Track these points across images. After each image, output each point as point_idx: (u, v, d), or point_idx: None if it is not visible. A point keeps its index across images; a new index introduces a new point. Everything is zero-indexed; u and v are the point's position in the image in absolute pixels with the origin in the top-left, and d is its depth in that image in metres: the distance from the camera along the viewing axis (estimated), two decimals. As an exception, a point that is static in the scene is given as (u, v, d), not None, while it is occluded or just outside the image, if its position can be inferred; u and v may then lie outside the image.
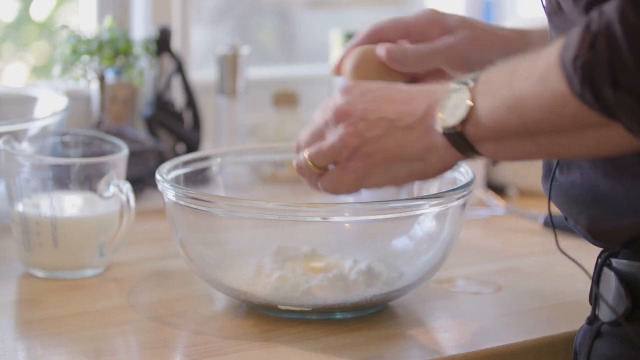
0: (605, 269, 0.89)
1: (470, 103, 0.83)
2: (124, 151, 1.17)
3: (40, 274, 1.16)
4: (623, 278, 0.87)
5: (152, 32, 1.63)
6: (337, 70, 1.03)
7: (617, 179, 0.86)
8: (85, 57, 1.48)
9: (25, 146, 1.20)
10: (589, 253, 0.94)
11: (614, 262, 0.88)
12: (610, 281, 0.88)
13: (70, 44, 1.47)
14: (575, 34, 0.75)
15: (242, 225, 1.08)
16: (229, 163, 1.24)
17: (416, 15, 1.03)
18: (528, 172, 1.56)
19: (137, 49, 1.52)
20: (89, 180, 1.15)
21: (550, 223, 0.97)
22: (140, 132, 1.59)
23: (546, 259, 1.28)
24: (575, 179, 0.90)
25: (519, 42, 1.02)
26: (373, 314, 1.06)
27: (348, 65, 1.01)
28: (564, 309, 1.10)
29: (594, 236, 0.89)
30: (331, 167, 0.92)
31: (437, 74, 1.02)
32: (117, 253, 1.18)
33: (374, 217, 1.02)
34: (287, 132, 1.69)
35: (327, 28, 1.84)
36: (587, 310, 0.93)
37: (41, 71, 1.87)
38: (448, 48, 1.01)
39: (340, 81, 1.13)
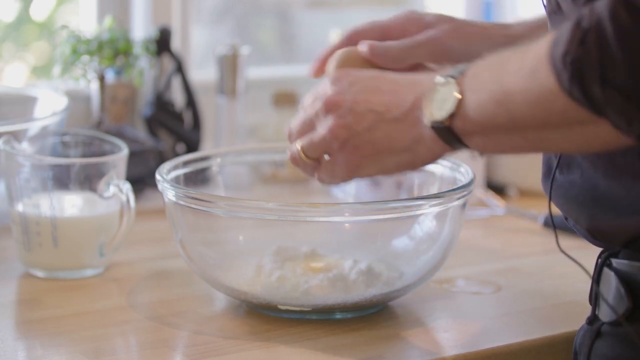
0: (606, 269, 0.89)
1: (458, 96, 0.83)
2: (124, 151, 1.17)
3: (40, 274, 1.16)
4: (623, 278, 0.87)
5: (152, 32, 1.63)
6: (318, 73, 1.03)
7: (617, 179, 0.86)
8: (85, 57, 1.48)
9: (25, 146, 1.20)
10: (589, 253, 0.94)
11: (614, 262, 0.88)
12: (610, 281, 0.88)
13: (70, 44, 1.47)
14: (565, 29, 0.75)
15: (242, 225, 1.08)
16: (229, 163, 1.24)
17: (394, 17, 1.04)
18: (528, 172, 1.56)
19: (137, 49, 1.52)
20: (89, 180, 1.15)
21: (551, 223, 0.97)
22: (140, 132, 1.59)
23: (546, 259, 1.28)
24: (575, 178, 0.90)
25: (499, 33, 1.02)
26: (373, 314, 1.06)
27: (331, 67, 1.01)
28: (564, 309, 1.10)
29: (594, 236, 0.89)
30: (326, 157, 0.93)
31: (420, 70, 1.02)
32: (117, 253, 1.18)
33: (374, 217, 1.02)
34: (287, 132, 1.68)
35: (327, 28, 1.84)
36: (587, 310, 0.93)
37: (41, 71, 1.87)
38: (430, 40, 1.01)
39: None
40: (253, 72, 1.74)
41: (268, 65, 1.99)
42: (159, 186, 1.06)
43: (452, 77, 0.83)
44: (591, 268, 0.91)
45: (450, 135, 0.84)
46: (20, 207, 1.15)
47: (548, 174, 0.94)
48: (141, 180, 1.46)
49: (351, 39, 1.02)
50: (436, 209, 1.03)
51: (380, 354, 0.96)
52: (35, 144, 1.23)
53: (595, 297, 0.91)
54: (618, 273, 0.88)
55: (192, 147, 1.62)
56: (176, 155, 1.52)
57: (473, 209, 1.46)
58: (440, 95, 0.84)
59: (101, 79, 1.51)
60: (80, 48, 1.47)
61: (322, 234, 1.13)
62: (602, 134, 0.76)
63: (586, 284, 0.93)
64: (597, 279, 0.90)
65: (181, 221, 1.06)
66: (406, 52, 1.00)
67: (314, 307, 1.03)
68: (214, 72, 1.63)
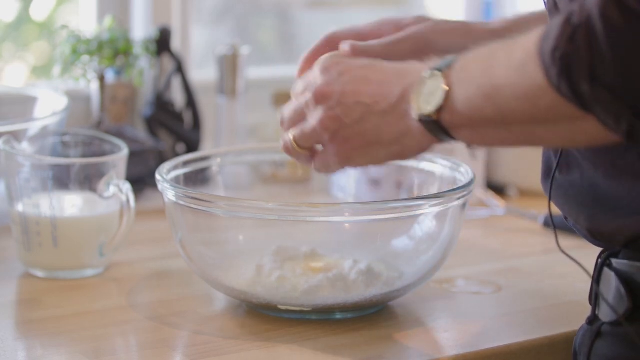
0: (606, 269, 0.89)
1: (445, 88, 0.83)
2: (124, 151, 1.17)
3: (40, 274, 1.16)
4: (623, 278, 0.87)
5: (152, 32, 1.63)
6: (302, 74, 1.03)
7: (617, 179, 0.86)
8: (85, 57, 1.48)
9: (25, 146, 1.20)
10: (589, 253, 0.94)
11: (614, 262, 0.88)
12: (610, 281, 0.88)
13: (70, 44, 1.47)
14: (555, 24, 0.75)
15: (242, 225, 1.08)
16: (229, 163, 1.24)
17: (371, 22, 1.04)
18: (528, 172, 1.56)
19: (137, 49, 1.52)
20: (89, 180, 1.15)
21: (551, 223, 0.97)
22: (140, 132, 1.59)
23: (546, 259, 1.28)
24: (576, 178, 0.90)
25: (480, 29, 1.03)
26: (373, 314, 1.06)
27: None
28: (564, 309, 1.10)
29: (594, 236, 0.89)
30: (319, 147, 0.94)
31: None
32: (117, 253, 1.18)
33: (374, 217, 1.02)
34: (287, 132, 1.68)
35: (327, 28, 1.83)
36: (587, 310, 0.93)
37: (41, 71, 1.87)
38: (412, 36, 1.01)
39: None
40: (253, 72, 1.74)
41: (268, 65, 1.99)
42: (159, 186, 1.06)
43: (439, 69, 0.84)
44: (591, 268, 0.91)
45: (438, 129, 0.84)
46: (20, 207, 1.15)
47: (548, 174, 0.94)
48: (141, 180, 1.46)
49: (329, 42, 1.03)
50: (436, 209, 1.03)
51: (380, 354, 0.96)
52: (35, 144, 1.23)
53: (595, 297, 0.91)
54: (618, 273, 0.88)
55: (192, 147, 1.62)
56: (176, 155, 1.52)
57: (473, 209, 1.46)
58: (428, 89, 0.84)
59: (101, 79, 1.51)
60: (80, 48, 1.47)
61: (322, 234, 1.13)
62: (589, 130, 0.76)
63: (586, 284, 0.93)
64: (597, 279, 0.90)
65: (181, 221, 1.05)
66: (388, 49, 1.00)
67: (314, 307, 1.03)
68: (214, 72, 1.63)
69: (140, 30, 1.69)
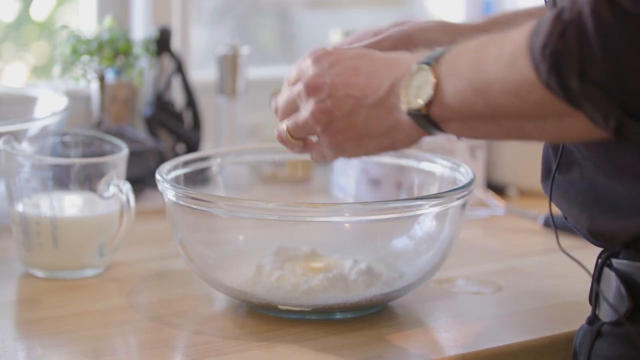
0: (606, 269, 0.89)
1: (434, 82, 0.83)
2: (124, 151, 1.17)
3: (40, 274, 1.16)
4: (624, 278, 0.87)
5: (152, 32, 1.63)
6: None
7: (617, 179, 0.86)
8: (85, 57, 1.48)
9: (25, 146, 1.20)
10: (589, 253, 0.94)
11: (615, 262, 0.88)
12: (610, 281, 0.88)
13: (70, 44, 1.47)
14: (546, 21, 0.75)
15: (242, 225, 1.08)
16: (229, 163, 1.24)
17: (349, 37, 1.05)
18: (528, 172, 1.56)
19: (137, 49, 1.52)
20: (89, 180, 1.15)
21: (551, 222, 0.97)
22: (140, 132, 1.59)
23: (546, 259, 1.28)
24: (575, 179, 0.90)
25: (459, 25, 1.04)
26: (373, 314, 1.06)
27: None
28: (564, 309, 1.10)
29: (594, 236, 0.89)
30: (314, 138, 0.95)
31: None
32: (117, 253, 1.18)
33: (374, 217, 1.02)
34: (287, 132, 1.68)
35: (327, 28, 1.83)
36: (587, 310, 0.93)
37: (41, 71, 1.87)
38: (392, 34, 1.03)
39: None
40: (253, 72, 1.74)
41: (268, 65, 1.99)
42: (159, 186, 1.06)
43: (428, 63, 0.84)
44: (591, 268, 0.91)
45: (427, 122, 0.85)
46: (20, 207, 1.15)
47: (547, 174, 0.94)
48: (141, 180, 1.46)
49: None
50: (436, 209, 1.03)
51: (380, 354, 0.96)
52: (35, 144, 1.23)
53: (595, 297, 0.91)
54: (618, 273, 0.87)
55: (192, 147, 1.62)
56: (176, 155, 1.52)
57: (473, 209, 1.46)
58: (417, 83, 0.84)
59: (101, 79, 1.51)
60: (80, 48, 1.47)
61: (322, 234, 1.13)
62: (578, 126, 0.77)
63: (586, 284, 0.93)
64: (597, 278, 0.90)
65: (181, 221, 1.05)
66: (370, 46, 1.01)
67: (314, 307, 1.03)
68: (214, 72, 1.63)
69: (140, 30, 1.69)
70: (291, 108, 0.95)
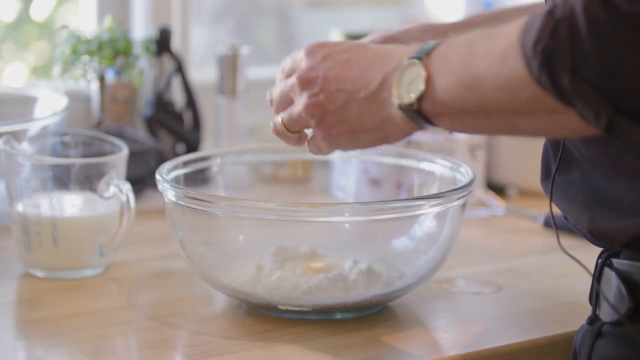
0: (606, 269, 0.89)
1: (425, 76, 0.83)
2: (124, 151, 1.17)
3: (40, 274, 1.16)
4: (624, 278, 0.87)
5: (152, 32, 1.63)
6: None
7: (617, 179, 0.86)
8: (85, 57, 1.48)
9: (25, 146, 1.20)
10: (589, 253, 0.94)
11: (615, 262, 0.88)
12: (611, 281, 0.88)
13: (70, 44, 1.47)
14: (538, 17, 0.75)
15: (242, 225, 1.08)
16: (229, 163, 1.24)
17: None
18: (528, 172, 1.56)
19: (137, 49, 1.52)
20: (89, 180, 1.15)
21: (552, 222, 0.97)
22: (140, 132, 1.59)
23: (546, 259, 1.28)
24: (575, 179, 0.90)
25: (440, 26, 1.04)
26: (373, 314, 1.06)
27: None
28: (564, 309, 1.10)
29: (594, 236, 0.89)
30: (310, 131, 0.95)
31: None
32: (117, 253, 1.18)
33: (374, 217, 1.02)
34: (287, 132, 1.68)
35: (327, 28, 1.84)
36: (587, 310, 0.93)
37: (41, 71, 1.87)
38: (377, 36, 1.04)
39: None
40: (253, 72, 1.73)
41: (268, 65, 1.99)
42: (159, 186, 1.06)
43: (419, 57, 0.84)
44: (591, 268, 0.91)
45: (419, 117, 0.85)
46: (20, 207, 1.15)
47: (547, 174, 0.94)
48: (141, 180, 1.46)
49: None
50: (436, 209, 1.03)
51: (380, 354, 0.96)
52: (35, 144, 1.23)
53: (595, 297, 0.91)
54: (619, 273, 0.87)
55: (192, 147, 1.62)
56: (176, 155, 1.52)
57: (473, 209, 1.46)
58: (408, 77, 0.84)
59: (101, 79, 1.51)
60: (80, 48, 1.47)
61: (322, 234, 1.13)
62: (569, 123, 0.77)
63: (586, 284, 0.93)
64: (597, 278, 0.90)
65: (181, 221, 1.05)
66: None
67: (314, 307, 1.03)
68: (214, 72, 1.63)
69: (140, 30, 1.69)
70: (286, 100, 0.96)
